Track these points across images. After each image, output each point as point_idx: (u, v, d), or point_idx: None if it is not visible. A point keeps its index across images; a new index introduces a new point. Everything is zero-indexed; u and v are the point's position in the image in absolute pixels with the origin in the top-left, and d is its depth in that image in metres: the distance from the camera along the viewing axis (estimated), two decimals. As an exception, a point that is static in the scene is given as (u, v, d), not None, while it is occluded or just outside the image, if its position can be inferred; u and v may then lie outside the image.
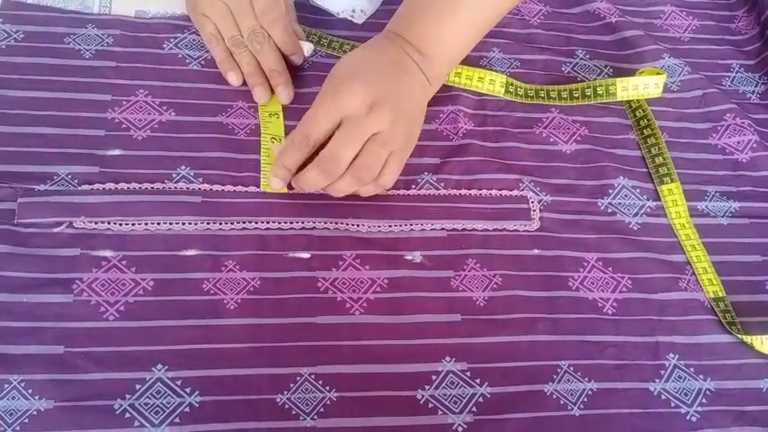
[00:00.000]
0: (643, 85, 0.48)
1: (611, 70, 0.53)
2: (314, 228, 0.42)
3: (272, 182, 0.42)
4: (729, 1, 0.58)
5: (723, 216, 0.47)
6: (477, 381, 0.39)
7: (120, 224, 0.40)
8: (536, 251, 0.44)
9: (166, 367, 0.36)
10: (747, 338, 0.41)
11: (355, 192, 0.42)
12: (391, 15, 0.46)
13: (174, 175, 0.43)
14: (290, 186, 0.43)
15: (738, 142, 0.50)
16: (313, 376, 0.37)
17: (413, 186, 0.45)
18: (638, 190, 0.47)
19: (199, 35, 0.48)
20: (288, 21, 0.47)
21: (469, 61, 0.50)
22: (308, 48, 0.48)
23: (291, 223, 0.42)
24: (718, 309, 0.43)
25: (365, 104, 0.39)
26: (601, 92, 0.48)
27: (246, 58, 0.46)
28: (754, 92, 0.54)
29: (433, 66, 0.44)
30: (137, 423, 0.35)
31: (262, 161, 0.44)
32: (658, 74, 0.48)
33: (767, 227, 0.47)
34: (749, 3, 0.57)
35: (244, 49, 0.46)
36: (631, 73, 0.52)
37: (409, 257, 0.42)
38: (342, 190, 0.41)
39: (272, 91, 0.46)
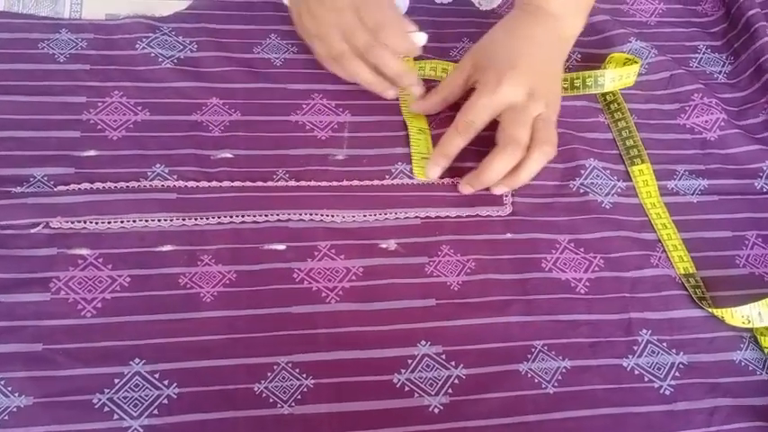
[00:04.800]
0: (626, 75, 0.49)
1: (578, 56, 0.53)
2: (289, 220, 0.43)
3: (432, 171, 0.45)
4: (694, -17, 0.59)
5: (693, 194, 0.48)
6: (453, 363, 0.39)
7: (97, 223, 0.41)
8: (509, 235, 0.44)
9: (144, 361, 0.37)
10: (718, 312, 0.42)
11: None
12: None
13: (149, 174, 0.43)
14: (441, 176, 0.45)
15: (706, 121, 0.51)
16: (290, 365, 0.38)
17: (387, 176, 0.46)
18: (608, 171, 0.48)
19: (170, 35, 0.49)
20: (400, 27, 0.46)
21: (439, 53, 0.51)
22: (420, 38, 0.47)
23: (266, 216, 0.43)
24: (689, 285, 0.44)
25: (524, 94, 0.43)
26: (590, 83, 0.49)
27: (363, 69, 0.46)
28: (720, 72, 0.54)
29: (566, 25, 0.47)
30: (116, 416, 0.35)
31: (412, 152, 0.46)
32: (634, 61, 0.50)
33: (736, 203, 0.48)
34: (714, -16, 0.58)
35: (358, 61, 0.46)
36: (600, 58, 0.52)
37: (384, 245, 0.43)
38: (532, 171, 0.44)
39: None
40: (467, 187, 0.45)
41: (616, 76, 0.49)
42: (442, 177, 0.46)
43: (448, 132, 0.45)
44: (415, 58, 0.50)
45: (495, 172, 0.43)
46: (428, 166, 0.45)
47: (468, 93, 0.46)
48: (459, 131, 0.44)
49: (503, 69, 0.43)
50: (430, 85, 0.49)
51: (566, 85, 0.49)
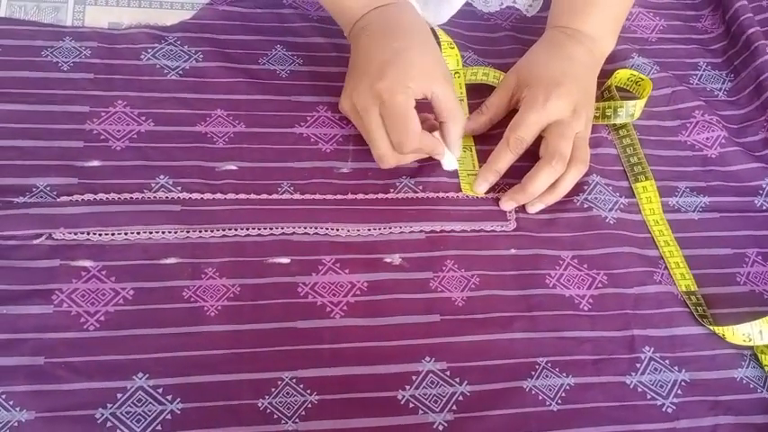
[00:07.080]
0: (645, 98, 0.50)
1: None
2: (293, 233, 0.43)
3: (481, 186, 0.46)
4: (695, 1, 0.60)
5: (694, 211, 0.48)
6: (457, 379, 0.39)
7: (100, 234, 0.41)
8: (513, 251, 0.44)
9: (147, 375, 0.37)
10: (719, 330, 0.42)
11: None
12: None
13: (153, 185, 0.43)
14: (487, 192, 0.46)
15: (707, 138, 0.51)
16: (294, 380, 0.38)
17: (391, 190, 0.46)
18: (610, 187, 0.48)
19: (175, 45, 0.49)
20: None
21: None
22: (448, 162, 0.46)
23: (271, 229, 0.42)
24: (690, 302, 0.44)
25: (570, 110, 0.45)
26: (621, 112, 0.50)
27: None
28: (721, 89, 0.55)
29: (602, 45, 0.50)
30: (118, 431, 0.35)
31: (458, 169, 0.46)
32: (640, 78, 0.51)
33: (736, 220, 0.48)
34: (714, 2, 0.59)
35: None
36: (603, 74, 0.53)
37: (388, 260, 0.43)
38: (568, 187, 0.45)
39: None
40: (510, 202, 0.45)
41: (641, 104, 0.50)
42: (447, 191, 0.46)
43: (498, 148, 0.45)
44: (466, 65, 0.51)
45: (540, 184, 0.44)
46: (477, 182, 0.45)
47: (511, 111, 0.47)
48: (509, 147, 0.45)
49: (549, 86, 0.45)
50: (474, 102, 0.50)
51: (597, 114, 0.49)
